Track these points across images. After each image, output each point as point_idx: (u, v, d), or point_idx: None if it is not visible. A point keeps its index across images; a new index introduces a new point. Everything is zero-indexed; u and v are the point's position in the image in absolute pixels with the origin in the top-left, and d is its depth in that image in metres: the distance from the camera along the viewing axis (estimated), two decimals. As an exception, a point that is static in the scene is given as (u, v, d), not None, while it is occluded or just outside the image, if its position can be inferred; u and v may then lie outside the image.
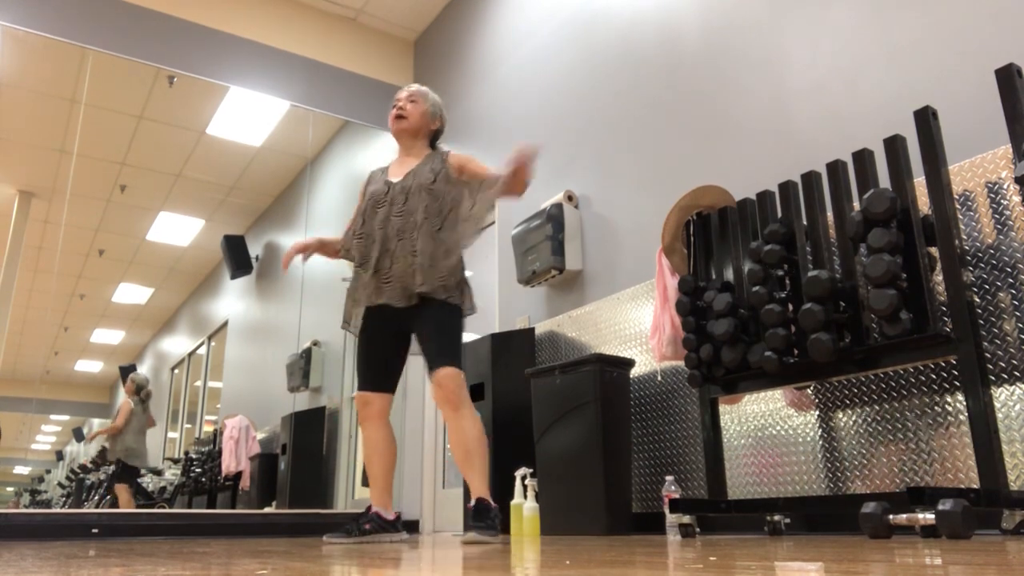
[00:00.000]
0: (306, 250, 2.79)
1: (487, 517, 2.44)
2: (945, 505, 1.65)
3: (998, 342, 2.14)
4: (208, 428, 5.60)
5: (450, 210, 2.70)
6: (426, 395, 5.17)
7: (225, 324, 5.83)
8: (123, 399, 5.06)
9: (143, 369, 5.49)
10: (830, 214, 2.57)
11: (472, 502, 2.51)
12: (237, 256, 5.62)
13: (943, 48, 2.45)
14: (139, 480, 5.04)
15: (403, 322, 2.75)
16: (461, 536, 2.39)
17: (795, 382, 2.37)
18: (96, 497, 5.04)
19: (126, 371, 5.34)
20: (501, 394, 3.65)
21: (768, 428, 2.76)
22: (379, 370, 2.73)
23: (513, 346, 3.84)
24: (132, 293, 5.55)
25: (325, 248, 2.85)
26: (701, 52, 3.38)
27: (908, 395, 2.34)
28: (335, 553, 1.76)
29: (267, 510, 5.07)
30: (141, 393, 5.04)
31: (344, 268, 5.87)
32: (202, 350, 5.82)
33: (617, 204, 3.71)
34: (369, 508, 2.63)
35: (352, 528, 2.53)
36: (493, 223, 4.78)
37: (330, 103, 5.63)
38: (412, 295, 2.62)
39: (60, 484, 5.16)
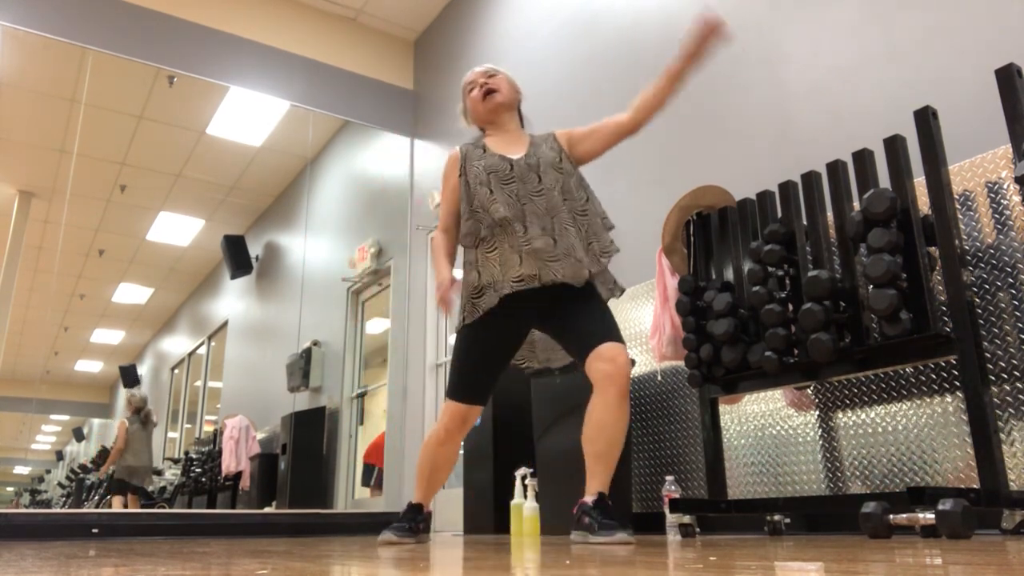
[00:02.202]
0: (449, 290, 2.43)
1: (617, 515, 2.14)
2: (945, 505, 1.65)
3: (998, 342, 2.14)
4: (208, 428, 5.60)
5: (584, 189, 2.49)
6: (426, 395, 5.17)
7: (225, 324, 5.83)
8: (119, 420, 5.07)
9: (143, 369, 5.50)
10: (830, 214, 2.57)
11: (594, 496, 2.14)
12: (237, 256, 5.62)
13: (943, 48, 2.45)
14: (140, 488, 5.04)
15: (538, 309, 2.38)
16: (603, 537, 2.01)
17: (795, 382, 2.37)
18: (96, 497, 5.04)
19: (126, 371, 5.35)
20: (501, 394, 3.65)
21: (768, 428, 2.76)
22: (491, 380, 2.37)
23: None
24: (132, 293, 5.55)
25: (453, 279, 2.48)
26: (701, 52, 3.38)
27: (908, 395, 2.34)
28: (397, 554, 1.76)
29: (267, 510, 5.07)
30: (140, 414, 5.04)
31: (344, 268, 5.87)
32: (202, 350, 5.82)
33: (617, 204, 3.71)
34: (420, 508, 2.45)
35: (414, 526, 2.39)
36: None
37: (330, 103, 5.63)
38: (585, 268, 2.32)
39: (60, 484, 5.16)
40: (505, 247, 2.33)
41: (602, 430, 2.18)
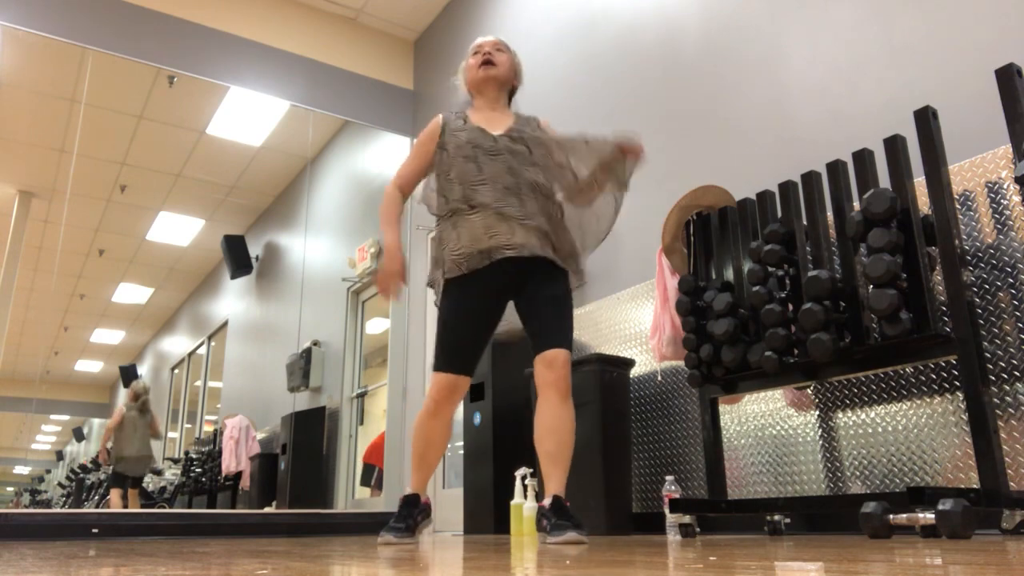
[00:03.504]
0: (399, 279, 2.44)
1: (574, 516, 2.17)
2: (945, 505, 1.65)
3: (998, 342, 2.14)
4: (208, 428, 5.60)
5: (555, 177, 2.49)
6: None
7: (225, 324, 5.83)
8: (119, 405, 5.09)
9: (143, 369, 5.50)
10: (830, 214, 2.57)
11: (550, 499, 2.22)
12: (237, 256, 5.62)
13: (943, 48, 2.45)
14: (142, 485, 5.04)
15: (517, 282, 2.40)
16: (556, 537, 2.07)
17: (795, 382, 2.37)
18: (96, 497, 5.04)
19: (126, 371, 5.34)
20: (501, 394, 3.65)
21: (768, 428, 2.76)
22: (475, 349, 2.38)
23: (513, 346, 3.84)
24: (132, 293, 5.55)
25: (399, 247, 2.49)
26: (701, 52, 3.38)
27: (908, 395, 2.34)
28: (398, 555, 1.76)
29: (267, 510, 5.07)
30: (138, 401, 5.05)
31: (344, 268, 5.87)
32: (202, 350, 5.82)
33: (617, 204, 3.71)
34: (417, 498, 2.39)
35: (411, 524, 2.31)
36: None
37: (330, 103, 5.63)
38: (572, 254, 2.40)
39: (60, 484, 5.16)
40: (492, 215, 2.36)
41: (551, 432, 2.27)
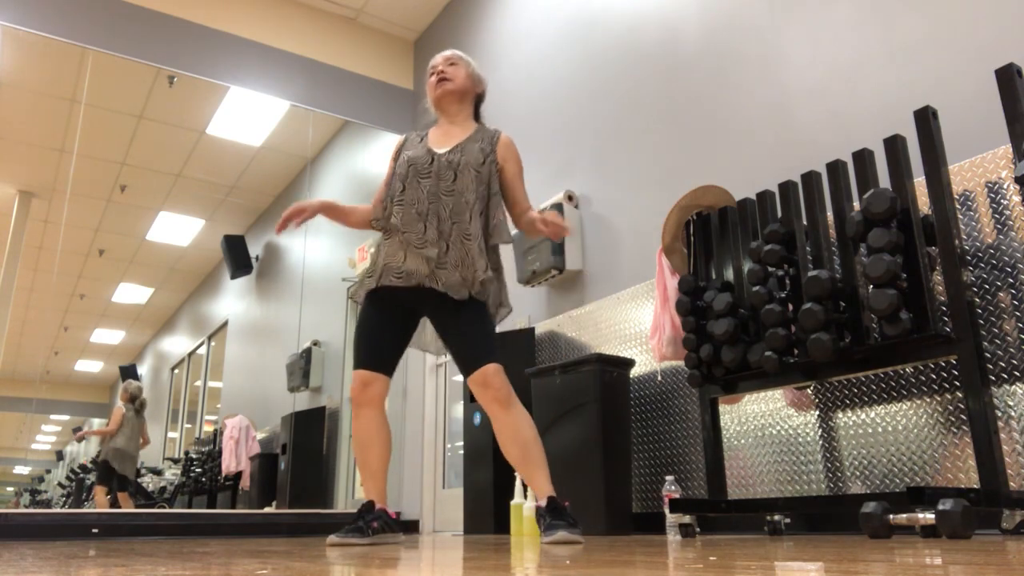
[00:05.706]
0: (302, 214, 2.56)
1: (567, 515, 2.21)
2: (945, 505, 1.65)
3: (998, 342, 2.14)
4: (208, 428, 5.60)
5: (490, 196, 2.51)
6: (426, 395, 5.17)
7: (225, 324, 5.83)
8: (116, 406, 5.07)
9: (143, 369, 5.50)
10: (830, 214, 2.57)
11: (543, 502, 2.28)
12: (237, 256, 5.62)
13: (943, 48, 2.45)
14: (139, 481, 5.04)
15: (421, 306, 2.50)
16: (547, 537, 2.13)
17: (795, 382, 2.37)
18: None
19: (126, 371, 5.35)
20: (501, 394, 3.65)
21: (768, 428, 2.76)
22: (384, 349, 2.47)
23: (513, 346, 3.84)
24: (132, 293, 5.55)
25: (333, 213, 2.61)
26: (701, 52, 3.38)
27: (908, 395, 2.34)
28: (347, 554, 1.76)
29: (267, 510, 5.07)
30: (135, 403, 5.04)
31: (344, 268, 5.87)
32: (202, 350, 5.82)
33: (617, 204, 3.71)
34: (372, 505, 2.39)
35: (365, 527, 2.30)
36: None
37: (330, 103, 5.63)
38: (472, 285, 2.40)
39: (60, 484, 5.16)
40: (398, 239, 2.48)
41: (511, 441, 2.36)
